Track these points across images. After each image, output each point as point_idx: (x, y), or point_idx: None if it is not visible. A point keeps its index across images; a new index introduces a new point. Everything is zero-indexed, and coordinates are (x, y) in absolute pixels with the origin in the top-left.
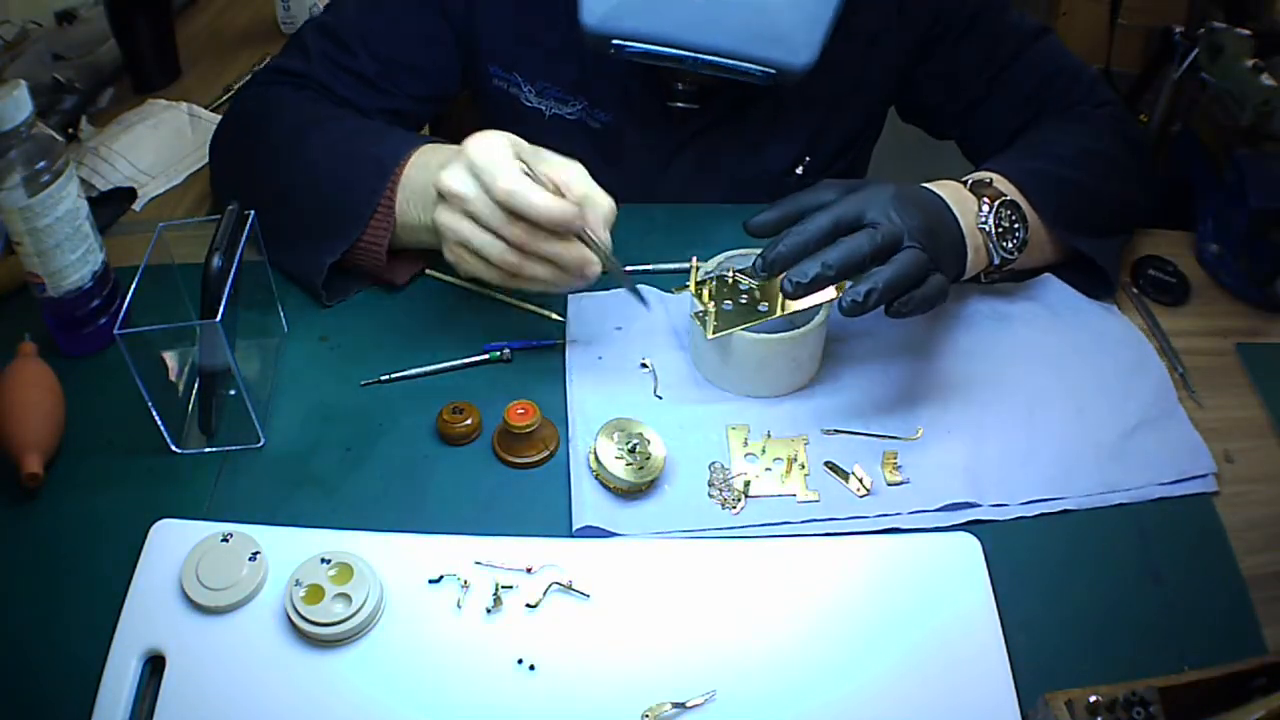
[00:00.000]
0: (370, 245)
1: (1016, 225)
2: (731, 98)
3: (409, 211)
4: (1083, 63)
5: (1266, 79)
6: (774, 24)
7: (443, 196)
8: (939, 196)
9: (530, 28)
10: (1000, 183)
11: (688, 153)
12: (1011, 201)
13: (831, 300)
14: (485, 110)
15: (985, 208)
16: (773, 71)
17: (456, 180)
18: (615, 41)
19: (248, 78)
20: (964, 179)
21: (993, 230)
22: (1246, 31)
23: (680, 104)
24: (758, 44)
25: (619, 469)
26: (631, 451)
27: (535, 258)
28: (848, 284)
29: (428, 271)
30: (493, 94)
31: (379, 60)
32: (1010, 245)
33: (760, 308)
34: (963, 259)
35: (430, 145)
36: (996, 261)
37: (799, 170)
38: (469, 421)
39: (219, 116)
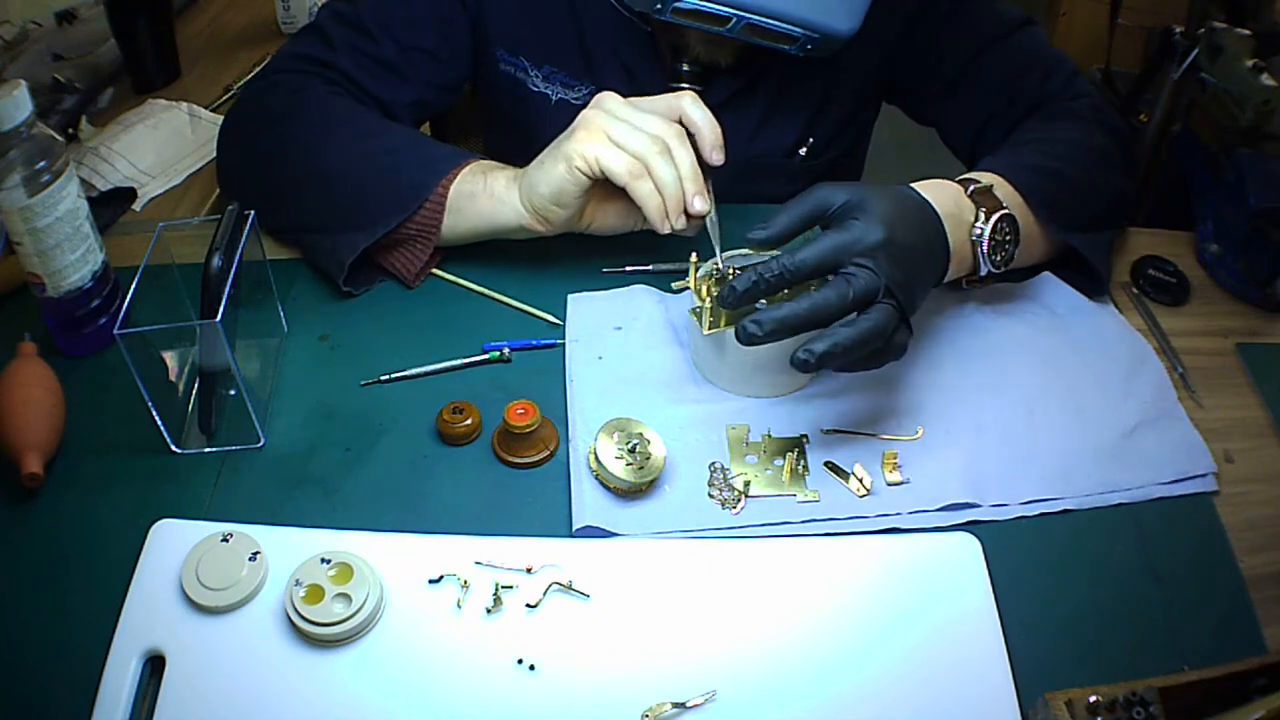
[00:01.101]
0: (423, 228)
1: (1008, 240)
2: (734, 81)
3: (462, 200)
4: (1063, 55)
5: (1266, 79)
6: None
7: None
8: (934, 211)
9: (535, 9)
10: (1000, 188)
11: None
12: (1009, 215)
13: None
14: (493, 97)
15: (983, 219)
16: (816, 37)
17: (610, 97)
18: None
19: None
20: (964, 181)
21: (986, 243)
22: (1246, 31)
23: (684, 84)
24: (807, 6)
25: (619, 469)
26: (631, 451)
27: (668, 156)
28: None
29: (431, 270)
30: (500, 79)
31: (401, 46)
32: (999, 258)
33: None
34: (941, 276)
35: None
36: (983, 274)
37: (802, 151)
38: (469, 421)
39: (219, 116)
